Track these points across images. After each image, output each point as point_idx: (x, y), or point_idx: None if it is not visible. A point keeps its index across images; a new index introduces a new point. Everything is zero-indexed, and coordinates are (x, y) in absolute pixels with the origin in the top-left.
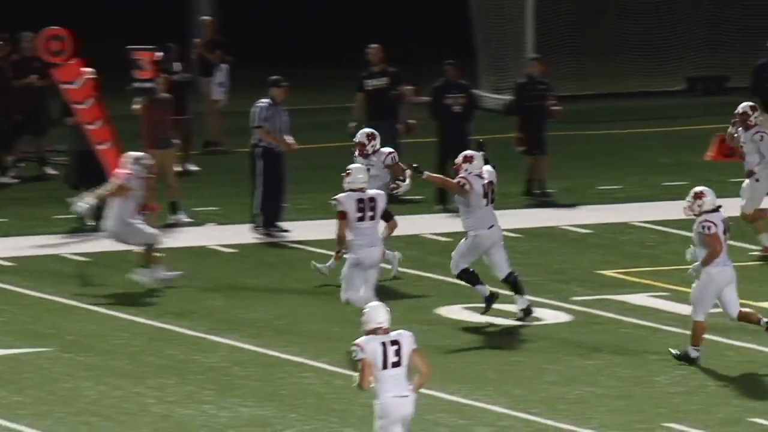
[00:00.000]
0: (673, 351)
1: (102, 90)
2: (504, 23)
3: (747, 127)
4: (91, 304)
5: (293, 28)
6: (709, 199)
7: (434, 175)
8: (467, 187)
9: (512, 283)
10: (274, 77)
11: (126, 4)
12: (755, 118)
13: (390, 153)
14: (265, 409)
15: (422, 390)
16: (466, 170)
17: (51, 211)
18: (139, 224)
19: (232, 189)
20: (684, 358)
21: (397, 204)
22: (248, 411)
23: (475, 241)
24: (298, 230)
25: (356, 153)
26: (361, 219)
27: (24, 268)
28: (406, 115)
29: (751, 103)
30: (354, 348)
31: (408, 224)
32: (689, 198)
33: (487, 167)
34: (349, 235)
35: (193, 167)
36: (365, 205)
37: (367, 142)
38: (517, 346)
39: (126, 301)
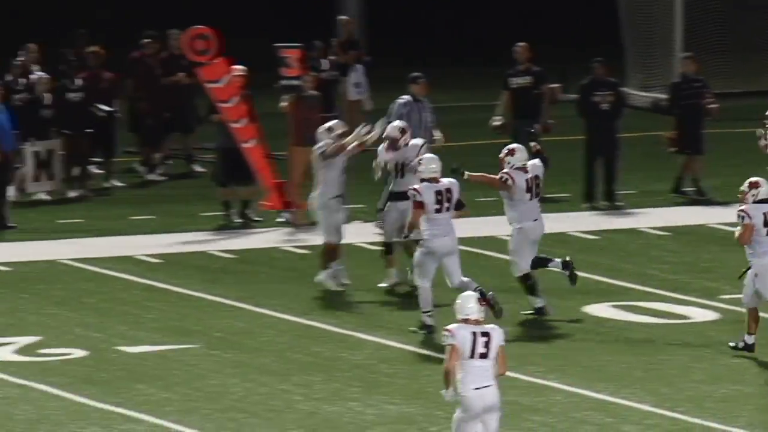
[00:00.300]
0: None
1: (250, 87)
2: (652, 21)
3: None
4: (237, 300)
5: (441, 24)
6: (764, 190)
7: (475, 174)
8: (509, 182)
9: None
10: (414, 74)
11: (273, 1)
12: None
13: (423, 144)
14: (411, 407)
15: (565, 387)
16: (509, 164)
17: (198, 208)
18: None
19: (380, 187)
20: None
21: (543, 202)
22: (395, 408)
23: (521, 234)
24: None
25: (387, 147)
26: (438, 210)
27: (171, 265)
28: (545, 116)
29: None
30: (445, 333)
31: (555, 222)
32: (744, 186)
33: (534, 161)
34: (423, 225)
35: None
36: (443, 197)
37: (399, 136)
38: (662, 344)
39: (273, 298)
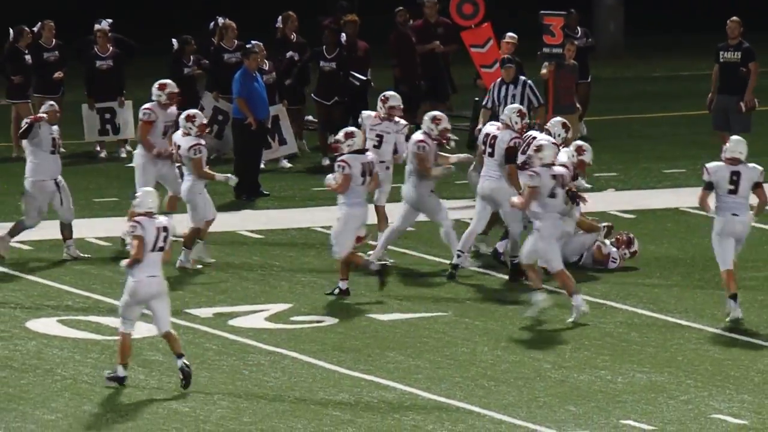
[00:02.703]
0: None
1: (518, 54)
2: None
3: None
4: (485, 268)
5: None
6: (359, 140)
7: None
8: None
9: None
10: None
11: None
12: None
13: (406, 125)
14: (661, 375)
15: None
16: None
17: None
18: None
19: (637, 154)
20: None
21: None
22: (644, 377)
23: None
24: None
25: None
26: (552, 196)
27: (423, 233)
28: (748, 93)
29: None
30: (133, 224)
31: None
32: (340, 136)
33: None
34: (535, 207)
35: (584, 130)
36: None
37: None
38: None
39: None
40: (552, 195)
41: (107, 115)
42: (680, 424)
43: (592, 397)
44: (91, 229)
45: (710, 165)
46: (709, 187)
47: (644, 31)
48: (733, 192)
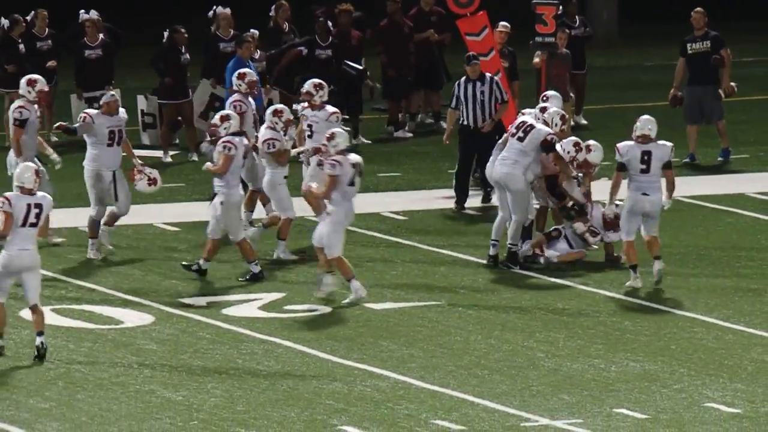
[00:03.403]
0: None
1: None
2: None
3: None
4: (481, 257)
5: None
6: (234, 123)
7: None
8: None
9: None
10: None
11: None
12: None
13: (334, 112)
14: (654, 364)
15: None
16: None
17: (445, 165)
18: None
19: None
20: None
21: None
22: (638, 365)
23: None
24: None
25: (305, 104)
26: (351, 184)
27: (417, 222)
28: (727, 79)
29: None
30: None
31: None
32: (215, 120)
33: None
34: (335, 195)
35: (583, 121)
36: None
37: (315, 92)
38: None
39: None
40: (351, 183)
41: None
42: (673, 413)
43: (586, 385)
44: (83, 217)
45: (621, 145)
46: (621, 167)
47: (638, 19)
48: (645, 171)
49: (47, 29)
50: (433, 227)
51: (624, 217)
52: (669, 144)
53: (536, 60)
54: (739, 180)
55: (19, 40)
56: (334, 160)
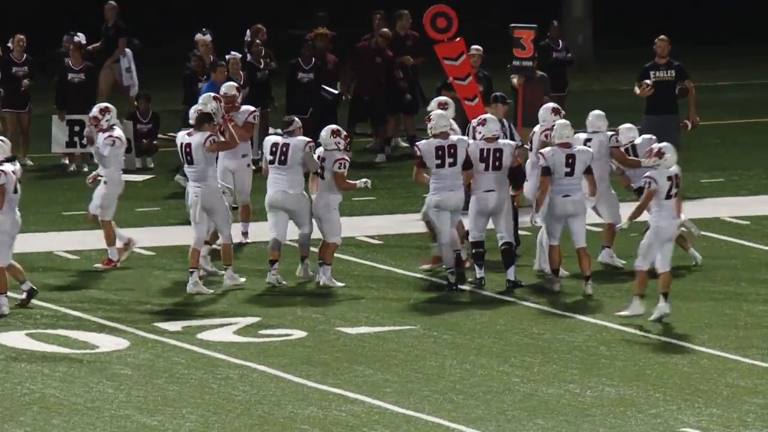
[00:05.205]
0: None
1: (485, 67)
2: None
3: None
4: (460, 284)
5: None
6: None
7: None
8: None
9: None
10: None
11: None
12: None
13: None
14: (630, 389)
15: None
16: (480, 133)
17: (420, 190)
18: None
19: None
20: None
21: None
22: (613, 390)
23: (474, 204)
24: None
25: (92, 126)
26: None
27: (392, 247)
28: (694, 111)
29: None
30: None
31: None
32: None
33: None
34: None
35: None
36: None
37: (101, 116)
38: None
39: (491, 282)
40: (15, 191)
41: (76, 128)
42: None
43: (561, 410)
44: (59, 242)
45: (545, 150)
46: (547, 172)
47: (613, 43)
48: (570, 174)
49: (24, 54)
50: (409, 252)
51: (548, 222)
52: (590, 150)
53: (514, 81)
54: (714, 204)
55: None
56: None
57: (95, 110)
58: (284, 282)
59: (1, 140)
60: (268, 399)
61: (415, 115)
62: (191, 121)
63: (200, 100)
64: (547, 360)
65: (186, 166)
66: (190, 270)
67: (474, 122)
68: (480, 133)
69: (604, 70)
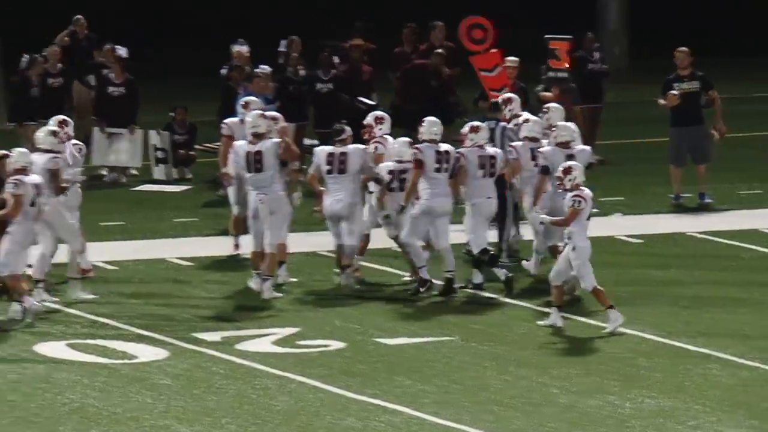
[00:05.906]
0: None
1: (522, 78)
2: None
3: None
4: (494, 293)
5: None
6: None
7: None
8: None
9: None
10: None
11: None
12: None
13: (77, 145)
14: (670, 401)
15: None
16: (471, 140)
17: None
18: None
19: (643, 179)
20: None
21: None
22: (653, 402)
23: (474, 211)
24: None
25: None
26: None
27: (432, 258)
28: (722, 121)
29: None
30: None
31: None
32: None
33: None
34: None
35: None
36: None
37: (59, 129)
38: None
39: (530, 294)
40: (32, 204)
41: (116, 142)
42: None
43: (602, 422)
44: (97, 252)
45: (545, 149)
46: (545, 170)
47: (649, 53)
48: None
49: (59, 65)
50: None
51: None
52: (588, 148)
53: (546, 94)
54: (752, 216)
55: (35, 81)
56: (16, 179)
57: (53, 123)
58: (360, 285)
59: (23, 151)
60: (307, 409)
61: (451, 126)
62: (249, 138)
63: (249, 119)
64: (586, 372)
65: (251, 174)
66: (264, 277)
67: (465, 129)
68: (471, 140)
69: (640, 82)
